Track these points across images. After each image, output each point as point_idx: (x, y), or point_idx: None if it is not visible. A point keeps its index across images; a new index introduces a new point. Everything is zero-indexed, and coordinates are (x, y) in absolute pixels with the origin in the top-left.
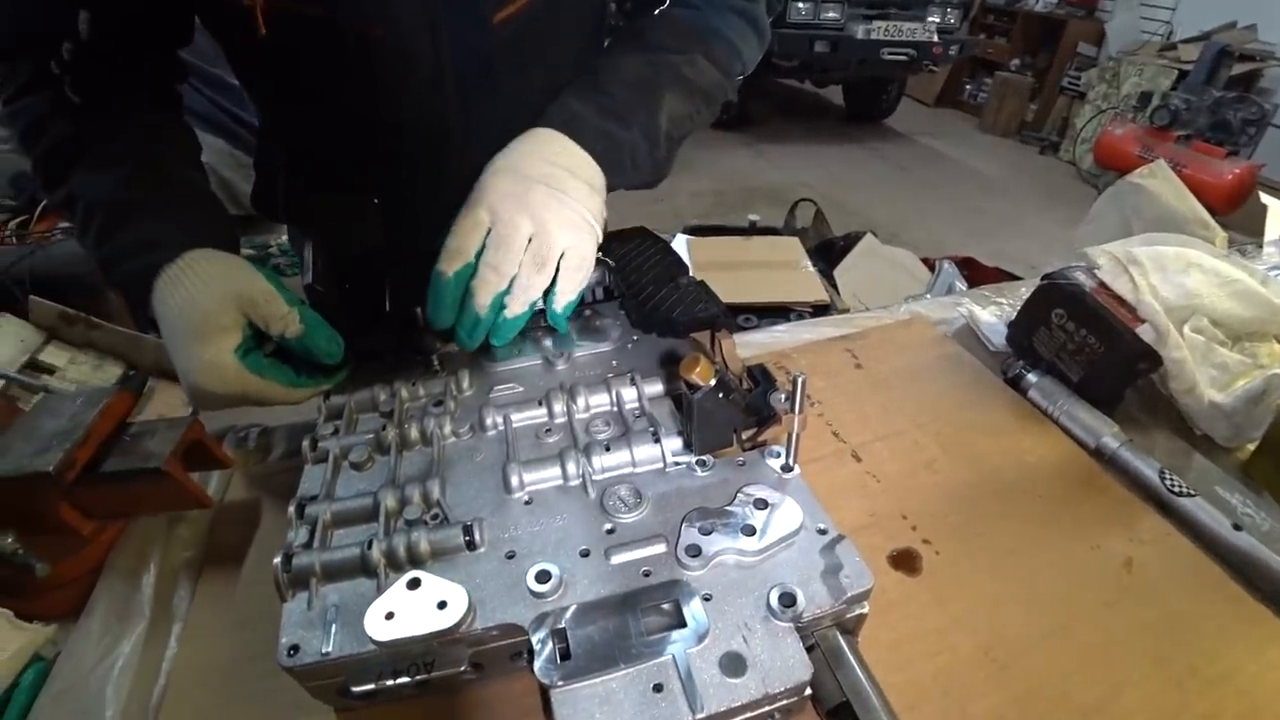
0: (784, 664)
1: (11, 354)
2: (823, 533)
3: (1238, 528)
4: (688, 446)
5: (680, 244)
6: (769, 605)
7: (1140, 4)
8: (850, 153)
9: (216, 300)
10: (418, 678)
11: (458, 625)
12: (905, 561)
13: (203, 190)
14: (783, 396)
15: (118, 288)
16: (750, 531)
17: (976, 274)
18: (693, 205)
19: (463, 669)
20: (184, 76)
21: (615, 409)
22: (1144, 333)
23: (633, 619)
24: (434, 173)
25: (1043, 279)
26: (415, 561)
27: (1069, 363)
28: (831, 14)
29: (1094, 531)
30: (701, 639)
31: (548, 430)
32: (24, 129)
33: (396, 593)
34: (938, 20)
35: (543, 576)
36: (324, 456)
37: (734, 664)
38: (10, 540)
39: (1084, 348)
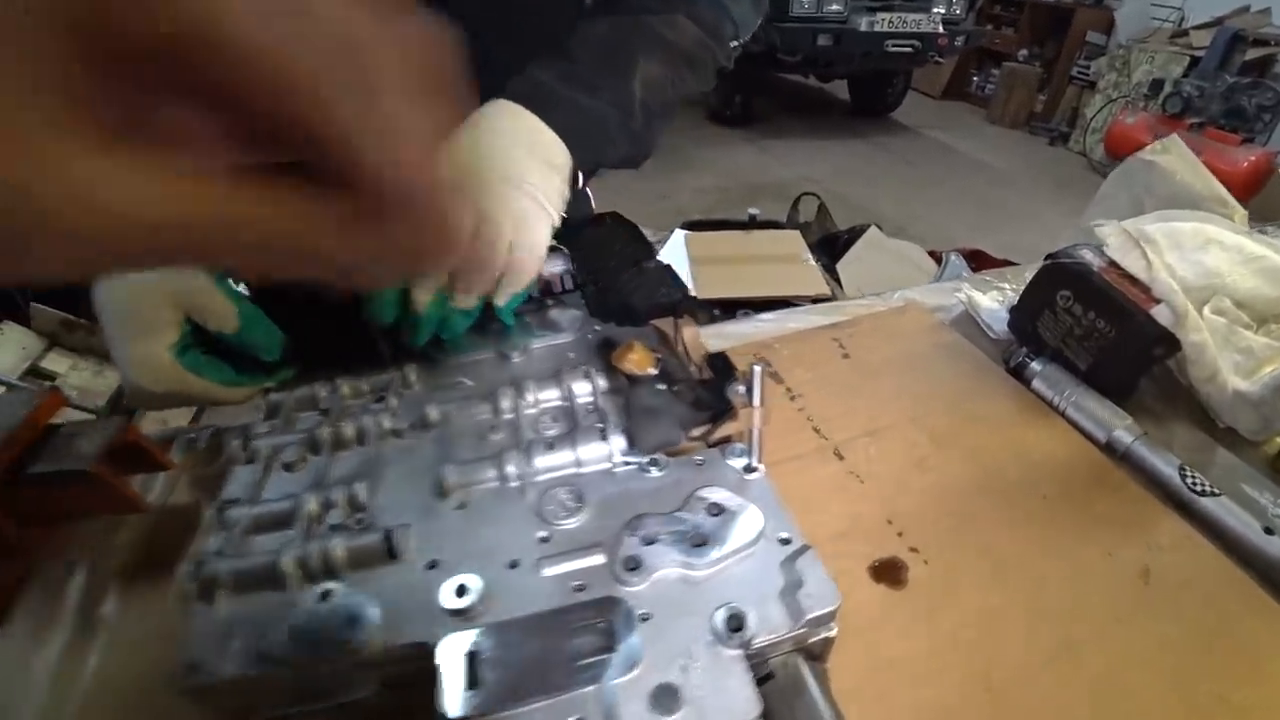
0: (726, 699)
1: (13, 361)
2: (786, 543)
3: (1269, 531)
4: (633, 445)
5: (678, 239)
6: (714, 628)
7: None
8: (855, 147)
9: (154, 297)
10: (323, 705)
11: (364, 645)
12: (889, 573)
13: None
14: (742, 388)
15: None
16: (700, 541)
17: (985, 266)
18: (695, 202)
19: (369, 694)
20: None
21: (566, 404)
22: (1159, 314)
23: (556, 642)
24: None
25: (1046, 258)
26: (331, 572)
27: (1077, 349)
28: (835, 7)
29: (1106, 536)
30: (633, 667)
31: (492, 428)
32: None
33: (305, 607)
34: (943, 11)
35: (461, 591)
36: (254, 456)
37: (666, 699)
38: None
39: (1093, 332)
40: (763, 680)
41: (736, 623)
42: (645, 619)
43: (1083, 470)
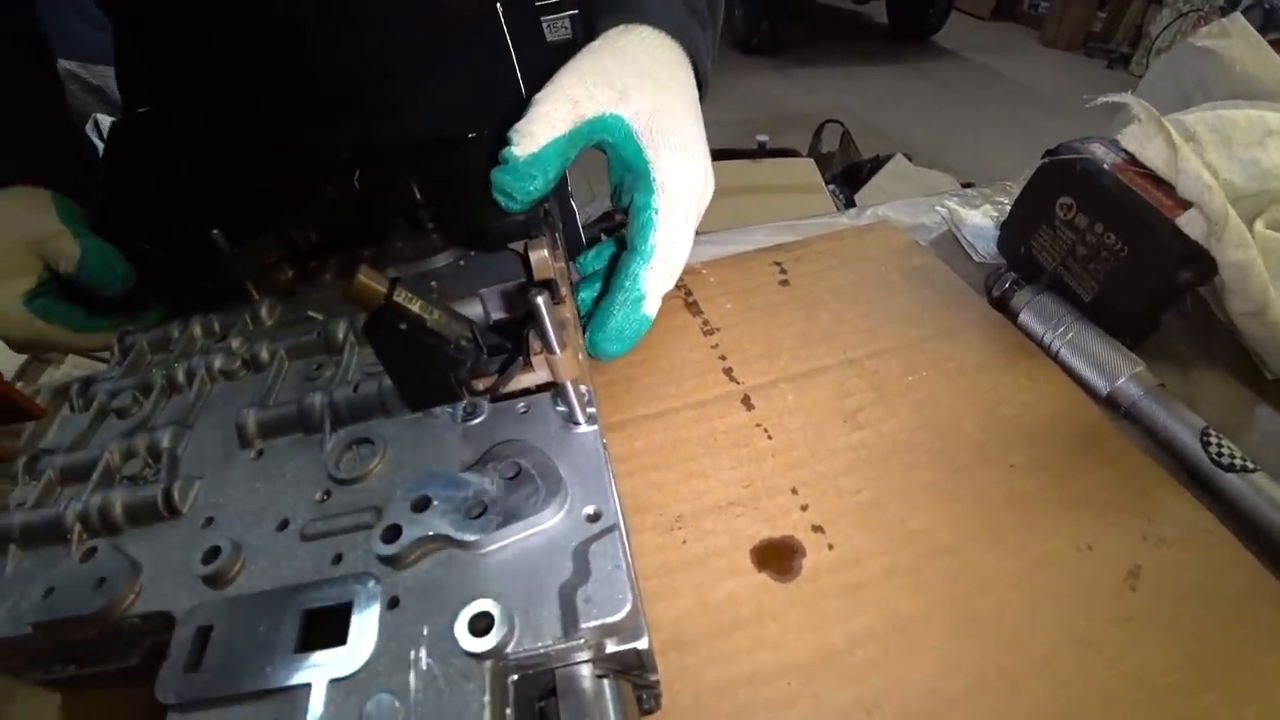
0: (452, 717)
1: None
2: (593, 519)
3: None
4: (404, 401)
5: None
6: (457, 628)
7: None
8: (892, 74)
9: (6, 246)
10: (94, 670)
11: (106, 610)
12: (778, 557)
13: (38, 106)
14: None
15: None
16: (480, 511)
17: None
18: (716, 135)
19: (134, 662)
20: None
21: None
22: (1188, 224)
23: (288, 625)
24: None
25: (1045, 155)
26: (110, 527)
27: (1080, 274)
28: None
29: (1088, 523)
30: (358, 666)
31: (318, 367)
32: None
33: (68, 565)
34: None
35: (210, 555)
36: (89, 403)
37: (380, 709)
38: None
39: (1100, 251)
40: (545, 694)
41: (482, 623)
42: (394, 605)
43: (1069, 432)
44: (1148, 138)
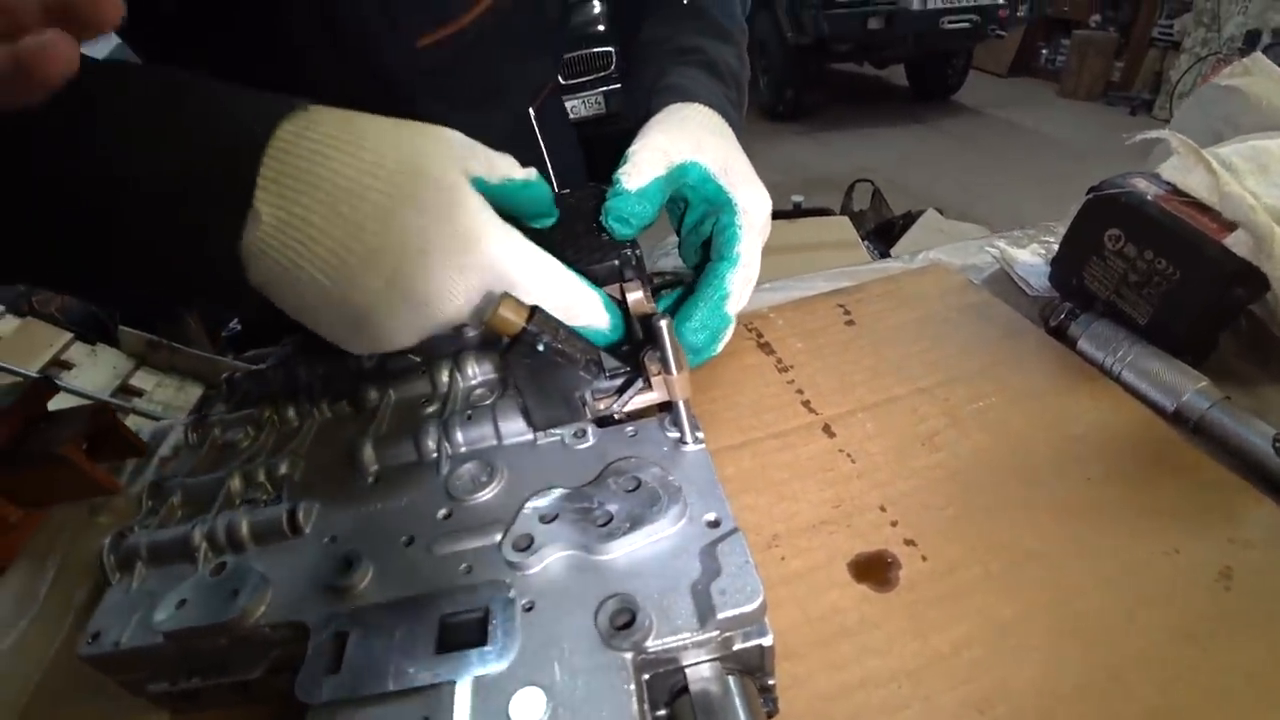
0: (598, 710)
1: (106, 379)
2: (714, 525)
3: None
4: (529, 421)
5: None
6: (599, 625)
7: None
8: (915, 133)
9: (439, 148)
10: (210, 682)
11: (240, 618)
12: (875, 569)
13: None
14: (658, 353)
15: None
16: (605, 520)
17: None
18: None
19: (257, 674)
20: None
21: (501, 375)
22: (1236, 244)
23: (426, 629)
24: None
25: (1089, 193)
26: (236, 546)
27: (1134, 300)
28: None
29: (1172, 528)
30: (502, 663)
31: (425, 401)
32: None
33: (198, 578)
34: None
35: (343, 568)
36: (204, 437)
37: (527, 707)
38: None
39: (1152, 276)
40: (675, 694)
41: (625, 618)
42: (529, 608)
43: (1142, 446)
44: (1188, 169)
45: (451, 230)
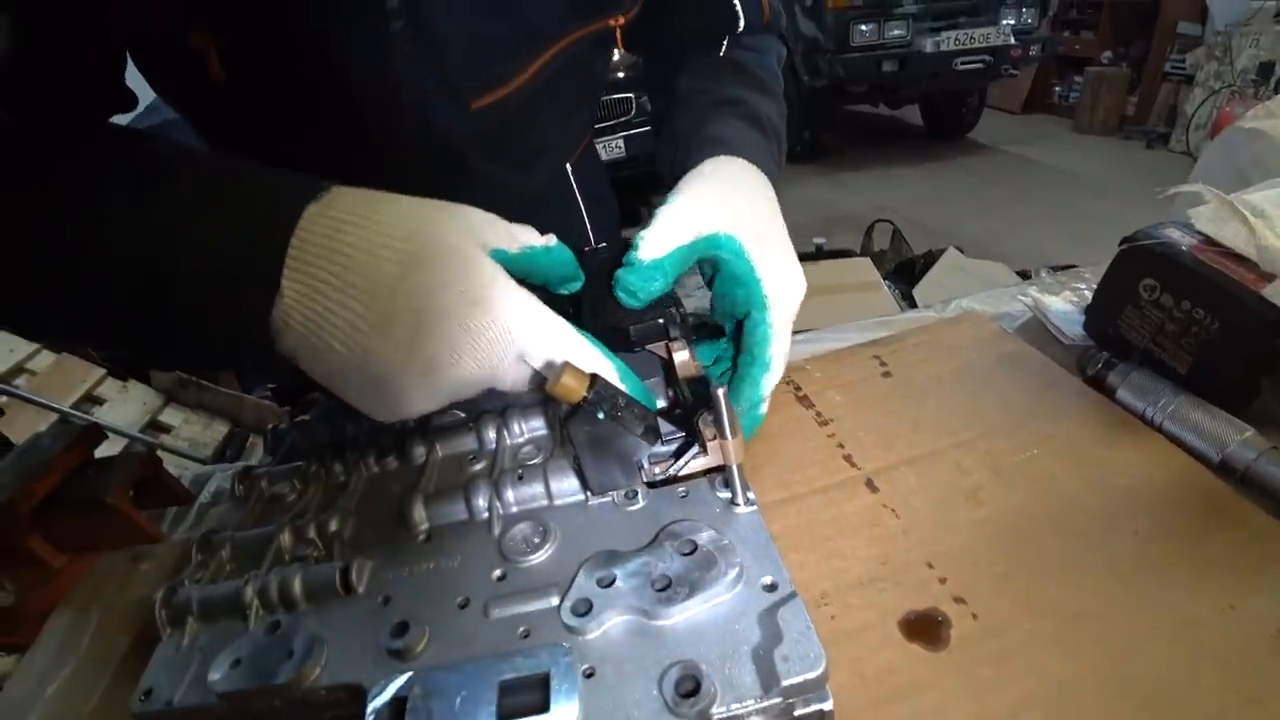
0: None
1: (136, 415)
2: (771, 590)
3: None
4: (584, 485)
5: None
6: (663, 692)
7: None
8: (932, 172)
9: (453, 223)
10: None
11: (296, 681)
12: (926, 629)
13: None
14: (711, 417)
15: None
16: (665, 585)
17: None
18: None
19: None
20: (131, 104)
21: (550, 432)
22: (1275, 295)
23: (486, 694)
24: None
25: (1122, 243)
26: (288, 603)
27: (1172, 350)
28: (897, 31)
29: (1226, 582)
30: None
31: (472, 458)
32: None
33: (252, 637)
34: (1013, 22)
35: (399, 630)
36: (249, 491)
37: None
38: None
39: (1190, 326)
40: None
41: (689, 685)
42: (589, 674)
43: (1189, 498)
44: (1223, 220)
45: (460, 292)
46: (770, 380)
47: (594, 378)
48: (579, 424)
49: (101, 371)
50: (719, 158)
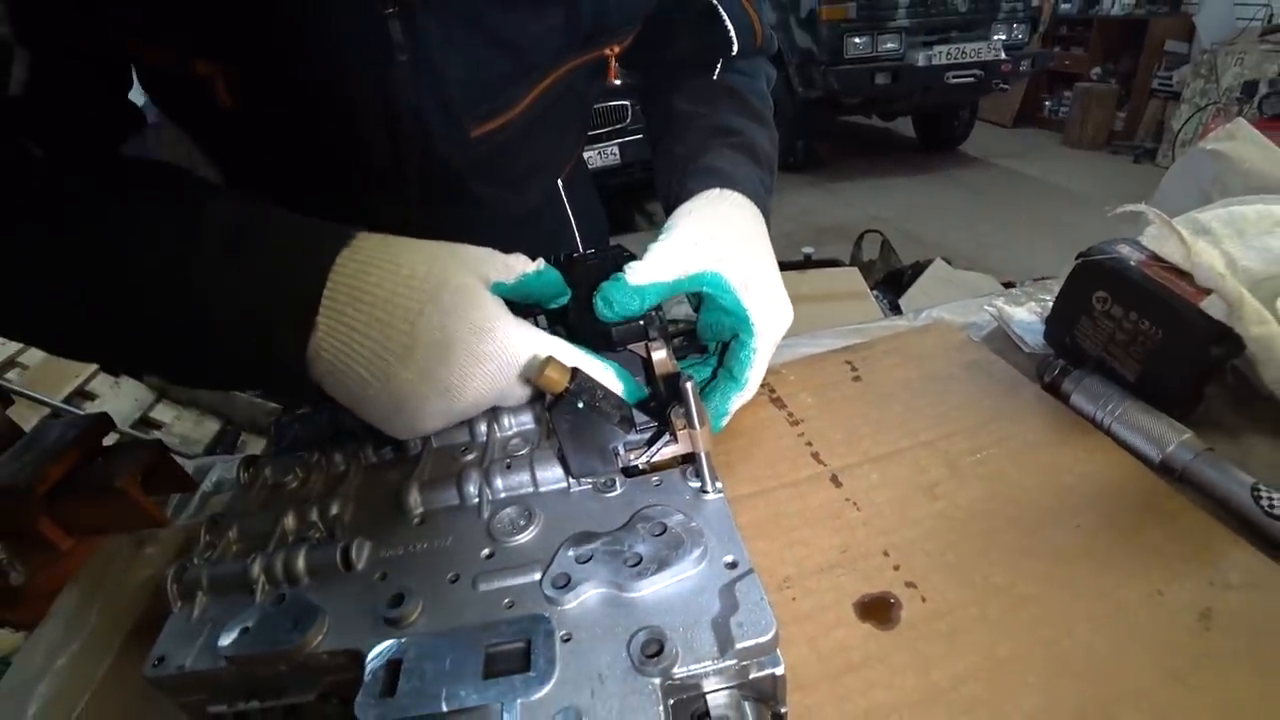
0: None
1: (128, 410)
2: (731, 567)
3: None
4: (567, 471)
5: None
6: (630, 653)
7: None
8: (923, 183)
9: (458, 263)
10: (268, 703)
11: (300, 646)
12: (878, 610)
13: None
14: (683, 410)
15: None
16: (635, 561)
17: None
18: None
19: (310, 698)
20: (140, 123)
21: (537, 426)
22: (1211, 307)
23: (473, 657)
24: None
25: (1078, 257)
26: (292, 579)
27: (1122, 358)
28: (890, 44)
29: (1156, 571)
30: (543, 688)
31: (464, 450)
32: None
33: (260, 608)
34: (1003, 37)
35: (395, 601)
36: (255, 479)
37: None
38: None
39: (1137, 336)
40: (697, 718)
41: (654, 648)
42: (567, 639)
43: (1130, 494)
44: (1165, 238)
45: (469, 324)
46: (741, 399)
47: (575, 371)
48: (561, 412)
49: (93, 367)
50: (713, 191)
